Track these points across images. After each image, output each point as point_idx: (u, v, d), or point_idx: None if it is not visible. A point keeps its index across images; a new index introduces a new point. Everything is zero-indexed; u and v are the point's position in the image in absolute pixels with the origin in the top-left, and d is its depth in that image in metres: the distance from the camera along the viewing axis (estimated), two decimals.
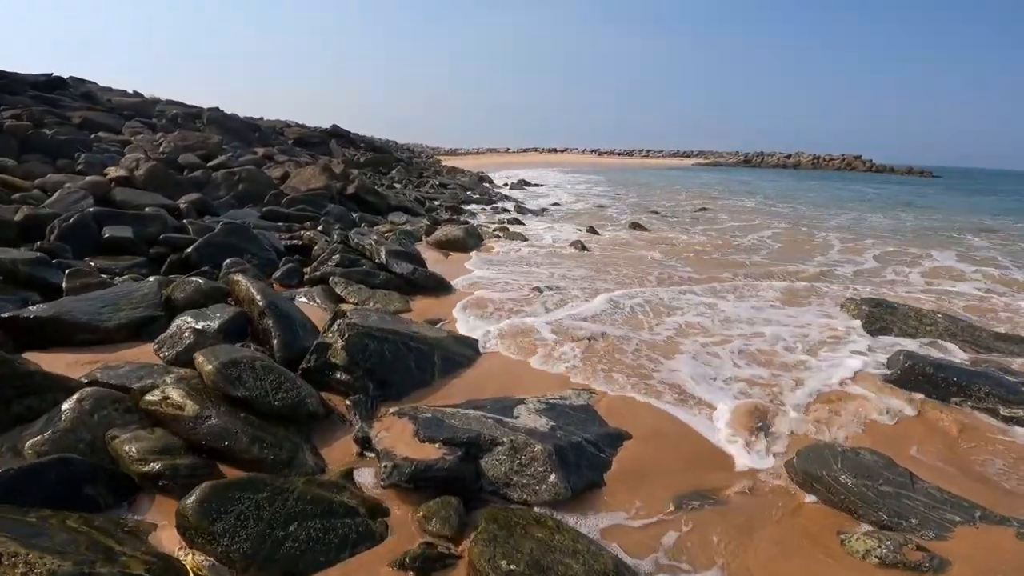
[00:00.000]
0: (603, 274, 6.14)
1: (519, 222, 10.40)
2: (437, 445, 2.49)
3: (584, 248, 7.77)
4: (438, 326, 4.19)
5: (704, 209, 14.39)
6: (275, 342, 3.15)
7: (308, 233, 6.12)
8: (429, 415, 2.71)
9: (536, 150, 73.87)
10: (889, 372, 3.76)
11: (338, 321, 3.10)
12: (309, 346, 3.17)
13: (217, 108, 17.81)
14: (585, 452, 2.61)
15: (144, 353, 3.14)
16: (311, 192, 8.93)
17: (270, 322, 3.22)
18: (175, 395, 2.47)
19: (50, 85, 12.36)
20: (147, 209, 5.90)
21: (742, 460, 2.76)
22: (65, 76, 14.19)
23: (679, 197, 18.53)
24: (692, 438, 2.94)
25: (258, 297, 3.33)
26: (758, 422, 3.10)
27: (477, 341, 3.84)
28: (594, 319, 4.54)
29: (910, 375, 3.66)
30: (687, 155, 65.62)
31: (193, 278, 3.81)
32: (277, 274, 5.02)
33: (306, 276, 5.03)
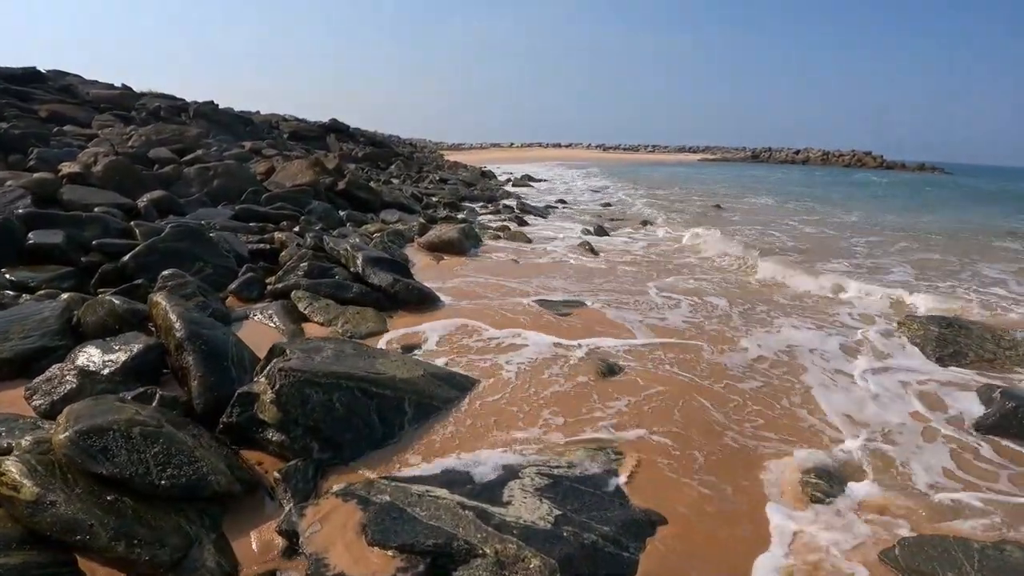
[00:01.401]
0: (619, 285, 5.36)
1: (523, 221, 9.62)
2: (391, 552, 1.74)
3: (593, 251, 6.98)
4: (416, 353, 3.44)
5: (718, 207, 13.56)
6: (193, 384, 2.40)
7: (280, 235, 5.38)
8: (387, 499, 1.96)
9: (541, 145, 72.76)
10: (983, 416, 2.98)
11: (272, 364, 2.34)
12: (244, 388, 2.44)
13: (211, 102, 17.10)
14: (601, 555, 1.85)
15: (19, 398, 2.41)
16: (296, 188, 8.19)
17: (190, 359, 2.47)
18: (13, 470, 1.75)
19: (25, 78, 11.67)
20: (96, 210, 5.18)
21: (815, 545, 1.99)
22: (69, 72, 13.54)
23: (688, 193, 17.67)
24: (746, 517, 2.18)
25: (176, 324, 2.58)
26: (828, 485, 2.34)
27: (464, 378, 3.06)
28: (619, 350, 3.77)
29: (1011, 420, 2.88)
30: (693, 150, 64.38)
31: (110, 297, 3.06)
32: (234, 285, 4.27)
33: (268, 288, 4.29)
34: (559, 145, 72.30)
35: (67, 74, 14.53)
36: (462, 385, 2.99)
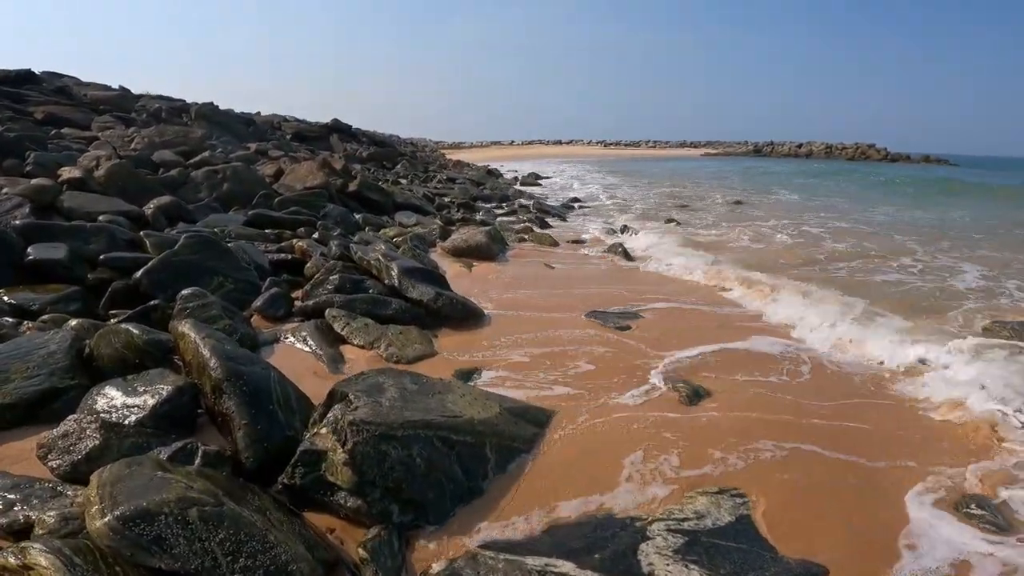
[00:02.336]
0: (667, 291, 4.96)
1: (544, 223, 9.21)
2: None
3: (628, 256, 6.56)
4: (476, 380, 3.03)
5: (739, 202, 13.16)
6: (239, 435, 1.99)
7: (300, 244, 4.95)
8: None
9: (542, 143, 72.26)
10: None
11: (335, 413, 1.93)
12: (296, 434, 2.03)
13: (211, 103, 16.63)
14: None
15: (28, 452, 2.00)
16: (307, 191, 7.76)
17: (231, 403, 2.06)
18: (44, 563, 1.36)
19: (19, 80, 11.20)
20: (100, 219, 4.76)
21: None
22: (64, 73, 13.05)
23: (704, 189, 17.25)
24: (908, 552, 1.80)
25: (212, 363, 2.16)
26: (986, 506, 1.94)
27: (539, 411, 2.66)
28: (696, 367, 3.36)
29: None
30: (695, 145, 63.99)
31: (127, 326, 2.63)
32: (258, 303, 3.85)
33: (296, 305, 3.87)
34: (560, 142, 71.81)
35: (62, 75, 14.04)
36: (539, 419, 2.59)
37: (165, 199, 5.88)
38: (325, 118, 20.59)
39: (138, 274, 3.66)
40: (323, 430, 1.88)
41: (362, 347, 3.36)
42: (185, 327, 2.46)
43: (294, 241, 5.10)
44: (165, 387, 2.18)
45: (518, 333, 3.70)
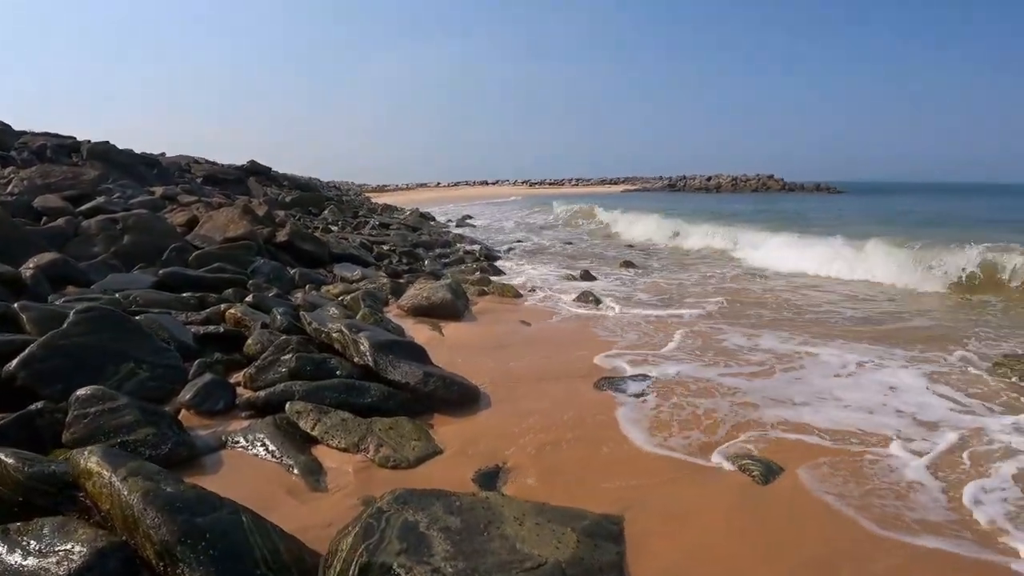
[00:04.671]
0: (657, 340, 4.47)
1: (495, 268, 8.63)
2: None
3: (598, 301, 6.09)
4: (502, 484, 2.36)
5: (677, 234, 13.32)
6: None
7: (232, 311, 4.02)
8: None
9: (468, 183, 72.46)
10: None
11: None
12: None
13: (107, 141, 14.86)
14: None
15: None
16: (230, 243, 6.73)
17: None
18: None
19: None
20: None
21: None
22: None
23: (639, 226, 17.41)
24: None
25: (151, 518, 1.41)
26: None
27: (610, 520, 2.06)
28: (752, 437, 2.82)
29: None
30: (614, 182, 66.59)
31: None
32: (187, 394, 2.93)
33: (242, 396, 2.98)
34: (486, 183, 72.35)
35: None
36: (612, 532, 2.01)
37: (48, 256, 4.75)
38: (237, 160, 19.17)
39: (12, 365, 2.65)
40: None
41: (344, 449, 2.56)
42: (92, 461, 1.62)
43: (224, 307, 4.15)
44: (77, 549, 1.33)
45: (527, 415, 3.02)
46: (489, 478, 2.43)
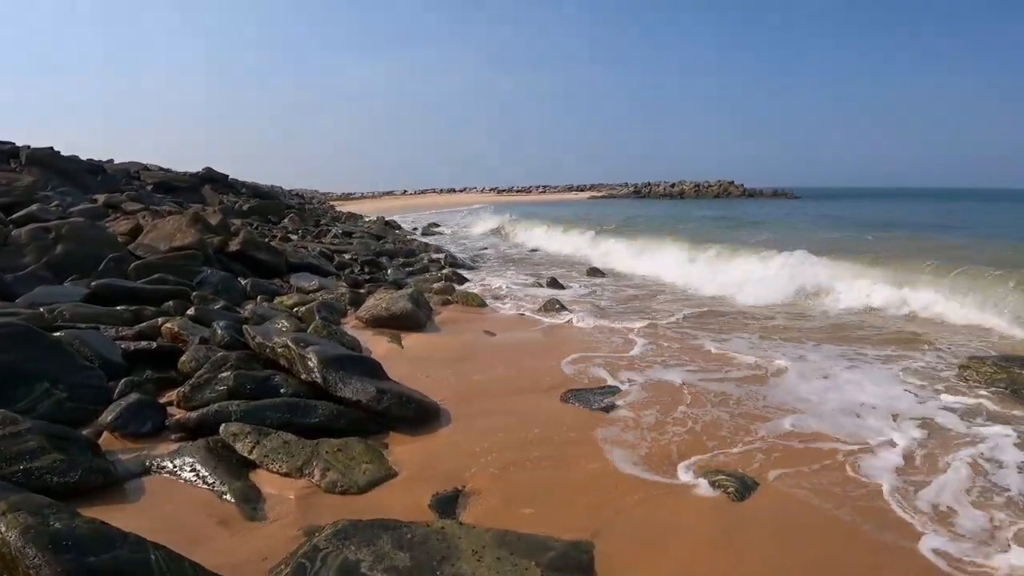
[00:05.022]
0: (626, 350, 4.33)
1: (460, 277, 8.41)
2: None
3: (565, 309, 5.93)
4: (462, 511, 2.15)
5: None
6: None
7: (169, 325, 3.69)
8: None
9: (435, 191, 71.83)
10: None
11: None
12: None
13: (50, 148, 14.06)
14: None
15: None
16: (176, 253, 6.32)
17: None
18: None
19: None
20: None
21: None
22: None
23: (613, 235, 17.32)
24: None
25: (31, 559, 1.27)
26: None
27: (578, 548, 1.90)
28: (720, 456, 2.67)
29: None
30: (580, 189, 66.84)
31: None
32: (109, 415, 2.64)
33: (172, 416, 2.69)
34: (453, 190, 71.79)
35: None
36: (581, 563, 1.82)
37: None
38: (195, 168, 18.40)
39: None
40: None
41: (286, 474, 2.31)
42: None
43: (160, 321, 3.81)
44: None
45: (490, 432, 2.82)
46: (447, 503, 2.22)
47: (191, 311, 4.20)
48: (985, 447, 2.74)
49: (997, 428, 2.93)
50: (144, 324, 3.84)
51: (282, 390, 2.83)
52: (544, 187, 70.34)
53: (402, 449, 2.62)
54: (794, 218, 22.39)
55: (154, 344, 3.46)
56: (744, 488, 2.35)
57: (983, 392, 3.46)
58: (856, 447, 2.75)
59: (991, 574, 1.87)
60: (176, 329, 3.63)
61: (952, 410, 3.20)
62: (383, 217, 20.23)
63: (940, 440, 2.84)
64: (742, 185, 53.30)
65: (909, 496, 2.32)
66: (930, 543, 2.02)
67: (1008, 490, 2.37)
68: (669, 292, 7.45)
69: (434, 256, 10.61)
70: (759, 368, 3.98)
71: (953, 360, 4.10)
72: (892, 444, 2.78)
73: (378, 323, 5.03)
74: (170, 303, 4.52)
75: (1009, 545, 2.01)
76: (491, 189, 69.28)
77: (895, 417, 3.11)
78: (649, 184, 59.59)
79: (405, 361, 3.88)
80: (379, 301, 5.37)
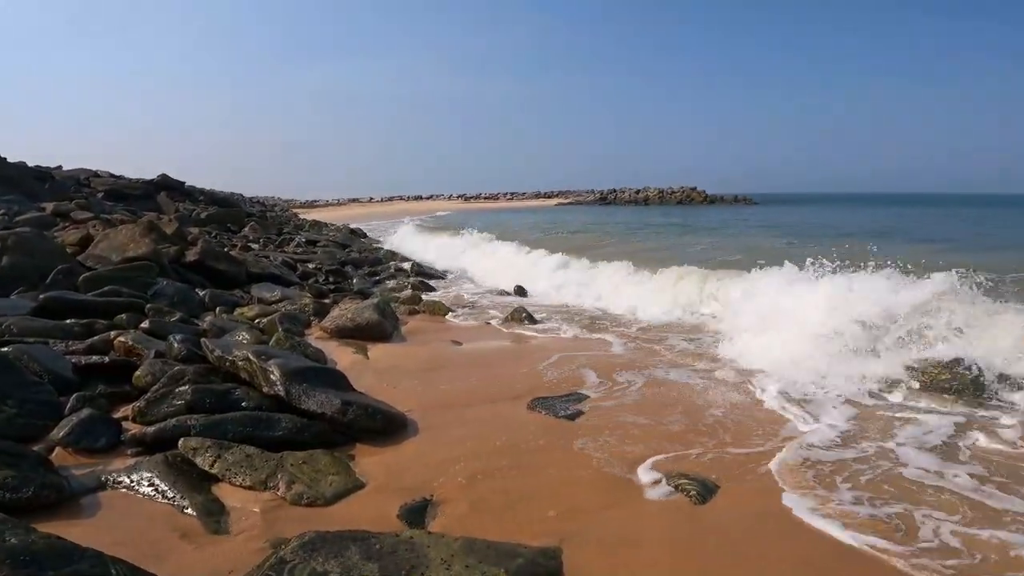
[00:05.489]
0: (595, 358, 4.39)
1: (427, 285, 8.38)
2: None
3: (532, 319, 5.96)
4: (431, 521, 2.15)
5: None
6: None
7: (121, 339, 3.57)
8: None
9: (402, 199, 71.20)
10: None
11: None
12: None
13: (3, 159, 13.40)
14: None
15: None
16: (128, 264, 6.11)
17: None
18: None
19: None
20: None
21: None
22: None
23: (585, 239, 17.36)
24: None
25: None
26: None
27: (547, 554, 1.93)
28: (677, 458, 2.73)
29: None
30: (548, 196, 67.34)
31: None
32: (61, 431, 2.54)
33: (129, 431, 2.60)
34: (420, 198, 71.30)
35: None
36: (547, 569, 1.85)
37: None
38: (148, 175, 17.75)
39: None
40: None
41: (250, 487, 2.26)
42: None
43: (113, 335, 3.68)
44: None
45: (458, 441, 2.83)
46: (416, 513, 2.21)
47: (146, 324, 4.07)
48: None
49: None
50: (96, 338, 3.70)
51: (243, 404, 2.77)
52: (512, 194, 70.61)
53: (369, 460, 2.60)
54: (733, 227, 21.98)
55: (106, 358, 3.34)
56: (706, 491, 2.42)
57: None
58: None
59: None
60: (130, 343, 3.51)
61: None
62: (348, 225, 19.97)
63: None
64: (704, 191, 54.61)
65: None
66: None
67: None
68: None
69: (401, 265, 10.54)
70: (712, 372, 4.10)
71: None
72: None
73: (343, 334, 4.97)
74: (123, 316, 4.37)
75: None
76: (459, 196, 69.15)
77: None
78: (615, 191, 60.45)
79: (371, 372, 3.85)
80: (344, 311, 5.31)
